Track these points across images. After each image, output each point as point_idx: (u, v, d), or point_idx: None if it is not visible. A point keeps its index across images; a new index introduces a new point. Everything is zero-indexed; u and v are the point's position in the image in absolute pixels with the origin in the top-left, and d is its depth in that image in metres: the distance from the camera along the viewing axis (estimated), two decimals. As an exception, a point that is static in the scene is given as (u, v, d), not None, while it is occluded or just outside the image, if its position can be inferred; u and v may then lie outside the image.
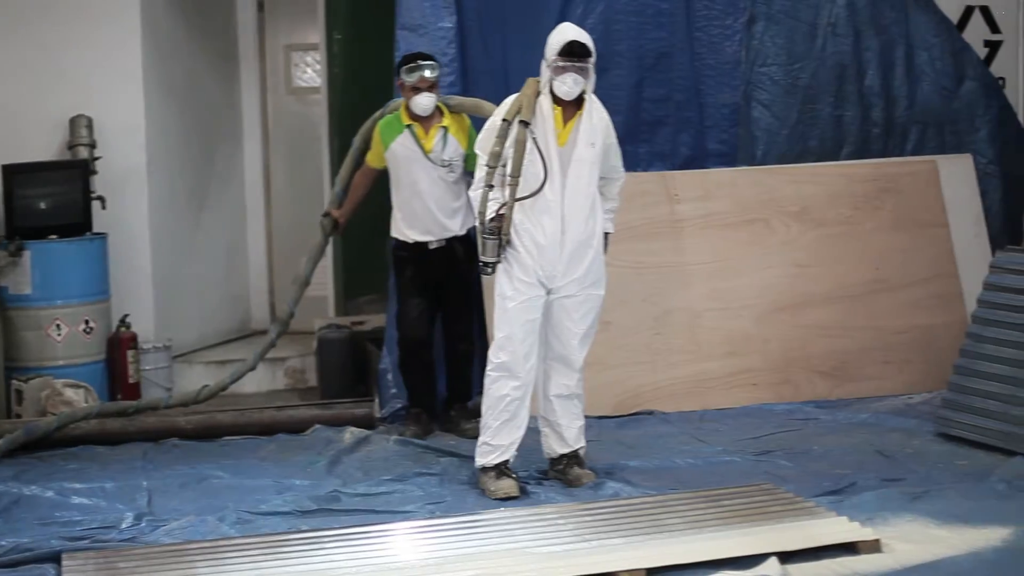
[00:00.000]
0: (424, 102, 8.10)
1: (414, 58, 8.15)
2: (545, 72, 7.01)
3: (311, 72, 11.88)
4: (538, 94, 7.01)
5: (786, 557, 5.84)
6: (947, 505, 6.54)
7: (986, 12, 10.63)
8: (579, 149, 7.01)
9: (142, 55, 9.81)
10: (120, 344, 9.40)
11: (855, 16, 9.82)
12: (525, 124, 6.91)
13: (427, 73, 8.09)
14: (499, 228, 6.90)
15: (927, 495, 6.71)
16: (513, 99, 7.06)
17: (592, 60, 7.01)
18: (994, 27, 10.67)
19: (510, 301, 7.01)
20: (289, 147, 11.62)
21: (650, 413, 8.73)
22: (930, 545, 6.02)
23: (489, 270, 6.96)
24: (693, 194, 9.24)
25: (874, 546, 5.96)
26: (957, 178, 9.63)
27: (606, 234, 7.26)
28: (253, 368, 9.05)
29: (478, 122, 8.29)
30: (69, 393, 8.81)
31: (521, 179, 6.90)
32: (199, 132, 10.70)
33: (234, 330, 11.12)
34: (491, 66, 9.15)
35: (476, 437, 7.93)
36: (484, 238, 6.92)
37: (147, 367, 9.58)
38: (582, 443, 7.29)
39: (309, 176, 11.27)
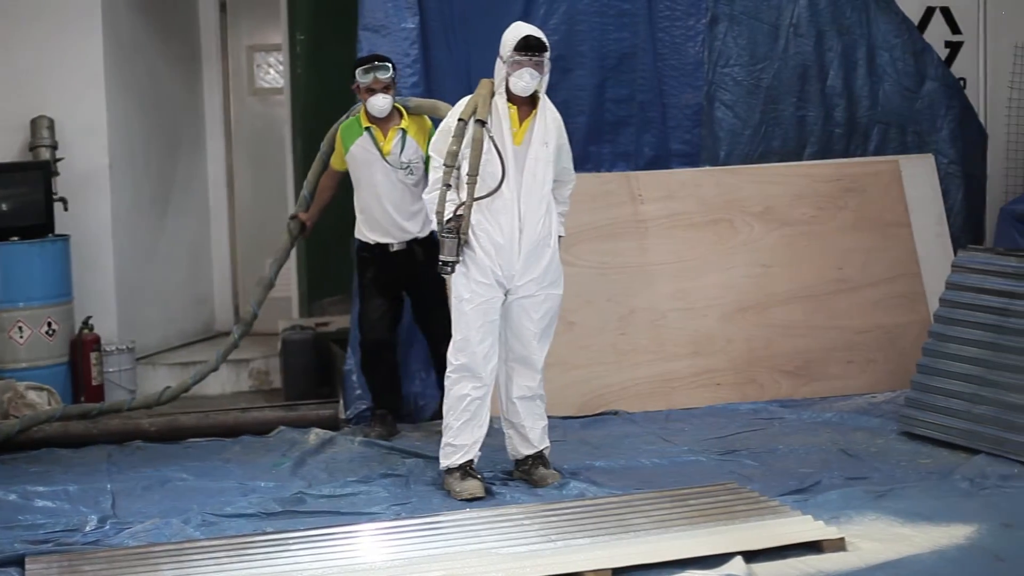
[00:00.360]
0: (379, 103, 8.09)
1: (368, 60, 8.16)
2: (500, 70, 7.00)
3: (274, 73, 11.86)
4: (493, 94, 7.01)
5: (751, 556, 5.85)
6: (911, 503, 6.57)
7: (947, 13, 10.70)
8: (534, 148, 7.01)
9: (104, 56, 9.77)
10: (83, 346, 9.36)
11: (817, 17, 9.86)
12: (481, 123, 6.91)
13: (380, 75, 8.07)
14: (458, 227, 6.88)
15: (891, 493, 6.74)
16: (468, 99, 7.05)
17: (547, 55, 7.00)
18: (955, 28, 10.73)
19: (467, 304, 6.98)
20: (252, 148, 11.60)
21: (615, 413, 8.74)
22: (894, 543, 6.04)
23: (449, 269, 6.94)
24: (657, 194, 9.25)
25: (839, 544, 5.97)
26: (919, 178, 9.68)
27: (559, 237, 7.25)
28: (215, 369, 9.03)
29: (438, 123, 8.30)
30: (32, 396, 8.77)
31: (479, 178, 6.90)
32: (162, 133, 10.67)
33: (198, 332, 11.09)
34: (454, 66, 9.14)
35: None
36: (443, 237, 6.90)
37: (110, 369, 9.55)
38: (546, 443, 7.29)
39: (272, 177, 11.25)
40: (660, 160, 9.56)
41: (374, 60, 8.14)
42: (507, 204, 6.96)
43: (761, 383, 9.04)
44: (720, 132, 9.70)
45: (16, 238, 9.18)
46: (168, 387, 8.95)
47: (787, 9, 9.82)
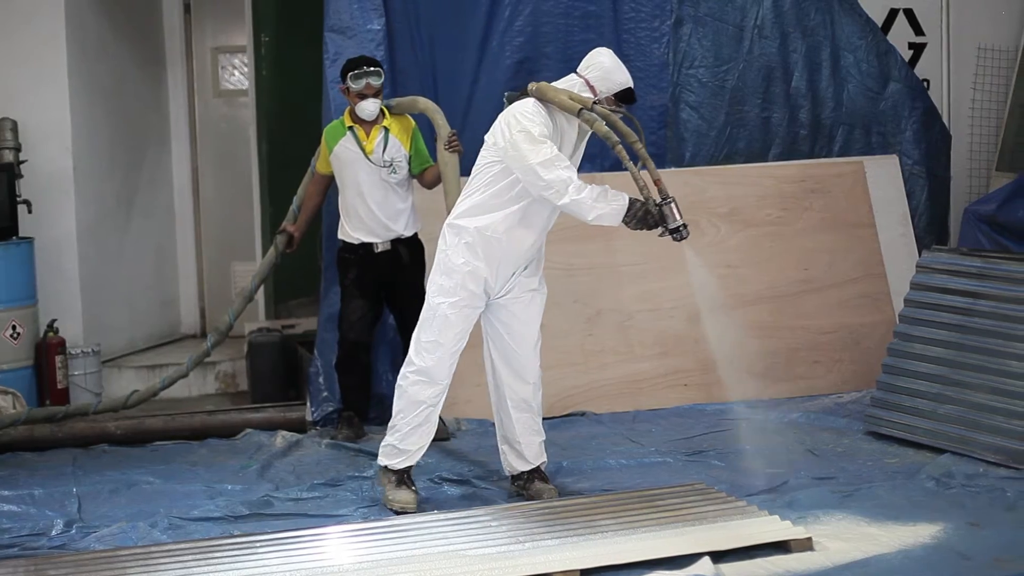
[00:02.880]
0: (369, 107, 8.08)
1: (359, 64, 8.12)
2: (581, 89, 6.76)
3: (239, 75, 11.82)
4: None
5: (719, 556, 5.86)
6: (877, 503, 6.60)
7: (910, 14, 10.75)
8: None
9: (67, 57, 9.73)
10: (48, 349, 9.31)
11: (781, 18, 9.89)
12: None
13: (373, 80, 8.07)
14: (664, 193, 6.57)
15: (858, 493, 6.77)
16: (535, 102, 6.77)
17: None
18: (918, 29, 10.78)
19: (450, 307, 6.71)
20: (217, 150, 11.57)
21: (582, 414, 8.75)
22: (861, 543, 6.06)
23: (686, 232, 6.54)
24: (622, 195, 9.25)
25: (806, 544, 5.99)
26: (883, 179, 9.73)
27: None
28: (185, 375, 9.00)
29: (419, 119, 8.30)
30: (-4, 399, 8.74)
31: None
32: (126, 135, 10.63)
33: (164, 335, 11.06)
34: (419, 68, 9.15)
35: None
36: (661, 207, 6.53)
37: (76, 372, 9.50)
38: (543, 459, 7.10)
39: (238, 179, 11.23)
40: (626, 161, 9.56)
41: (365, 65, 8.10)
42: (533, 220, 6.78)
43: (728, 384, 9.04)
44: (685, 133, 9.73)
45: (-21, 241, 9.14)
46: (135, 391, 8.92)
47: (751, 11, 9.85)
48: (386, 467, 6.91)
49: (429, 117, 8.20)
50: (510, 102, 6.96)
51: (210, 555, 6.07)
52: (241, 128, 11.38)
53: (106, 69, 10.36)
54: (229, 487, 7.36)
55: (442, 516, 6.54)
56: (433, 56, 9.21)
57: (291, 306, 10.89)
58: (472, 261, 6.69)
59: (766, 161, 9.82)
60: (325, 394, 8.66)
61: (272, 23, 11.09)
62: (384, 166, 8.12)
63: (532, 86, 6.84)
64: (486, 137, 6.89)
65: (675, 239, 6.59)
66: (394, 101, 8.37)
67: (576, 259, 9.02)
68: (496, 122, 6.84)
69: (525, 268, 6.86)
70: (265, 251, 10.28)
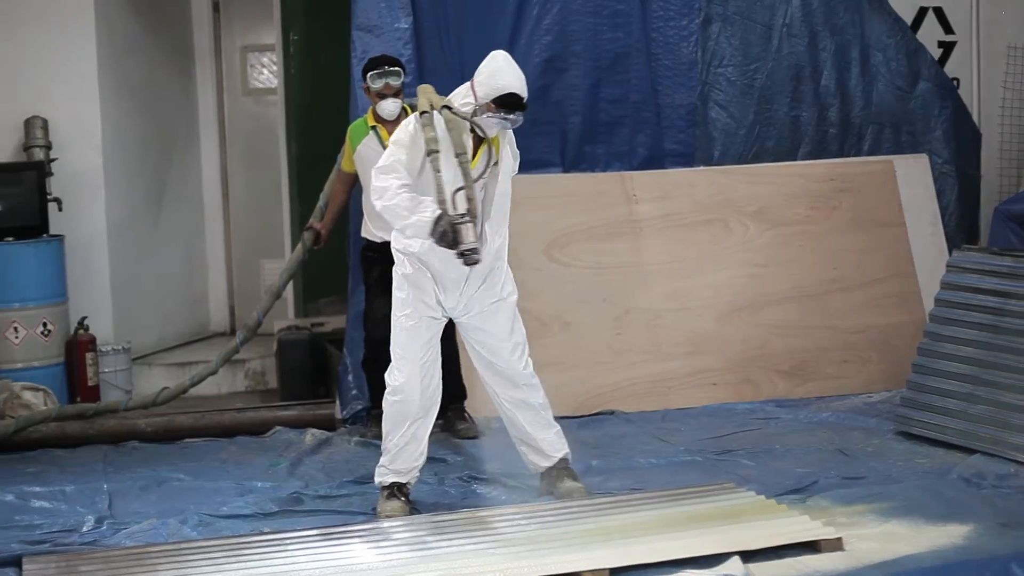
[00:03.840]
0: (389, 107, 8.08)
1: (380, 63, 8.12)
2: (468, 100, 6.54)
3: (267, 73, 11.85)
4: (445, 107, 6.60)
5: (748, 556, 5.85)
6: (908, 503, 6.57)
7: (939, 13, 10.72)
8: (498, 172, 6.73)
9: (97, 56, 9.77)
10: (79, 347, 9.36)
11: (810, 17, 9.87)
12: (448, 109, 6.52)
13: (392, 80, 8.07)
14: (469, 210, 6.38)
15: (888, 493, 6.74)
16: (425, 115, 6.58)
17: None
18: (947, 28, 10.76)
19: (408, 319, 6.69)
20: (246, 148, 11.59)
21: (611, 413, 8.74)
22: (891, 543, 6.04)
23: (477, 256, 6.36)
24: (651, 194, 9.26)
25: (836, 544, 5.97)
26: (913, 178, 9.70)
27: None
28: (215, 372, 9.03)
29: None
30: (28, 396, 8.77)
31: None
32: (156, 133, 10.66)
33: (193, 332, 11.09)
34: (448, 67, 9.14)
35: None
36: (456, 224, 6.30)
37: (106, 369, 9.55)
38: (564, 450, 7.01)
39: (267, 177, 11.25)
40: (654, 160, 9.57)
41: (385, 64, 8.09)
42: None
43: (757, 383, 9.04)
44: (714, 132, 9.72)
45: (11, 239, 9.17)
46: (165, 388, 8.95)
47: (780, 9, 9.83)
48: (380, 485, 6.85)
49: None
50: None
51: (240, 552, 6.09)
52: (270, 126, 11.40)
53: (136, 68, 10.39)
54: (259, 484, 7.38)
55: (470, 514, 6.55)
56: (461, 54, 9.21)
57: (320, 304, 10.91)
58: (415, 275, 6.67)
59: (795, 160, 9.80)
60: (354, 392, 8.68)
61: (301, 21, 11.11)
62: (406, 166, 8.11)
63: (419, 88, 6.78)
64: None
65: (464, 263, 6.40)
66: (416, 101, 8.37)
67: (605, 258, 9.02)
68: None
69: (482, 284, 6.73)
70: (294, 248, 10.33)
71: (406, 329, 6.70)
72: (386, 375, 6.80)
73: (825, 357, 9.19)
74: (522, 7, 9.28)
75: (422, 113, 6.49)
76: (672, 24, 9.63)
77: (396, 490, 6.80)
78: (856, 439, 7.95)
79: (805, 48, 9.88)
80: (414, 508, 6.82)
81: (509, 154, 6.74)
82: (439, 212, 6.33)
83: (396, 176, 6.43)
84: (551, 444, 6.97)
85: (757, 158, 9.75)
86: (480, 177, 6.54)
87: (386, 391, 6.79)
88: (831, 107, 9.94)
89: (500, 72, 6.48)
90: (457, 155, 6.42)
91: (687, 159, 9.63)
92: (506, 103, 6.43)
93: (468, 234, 6.32)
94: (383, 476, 6.83)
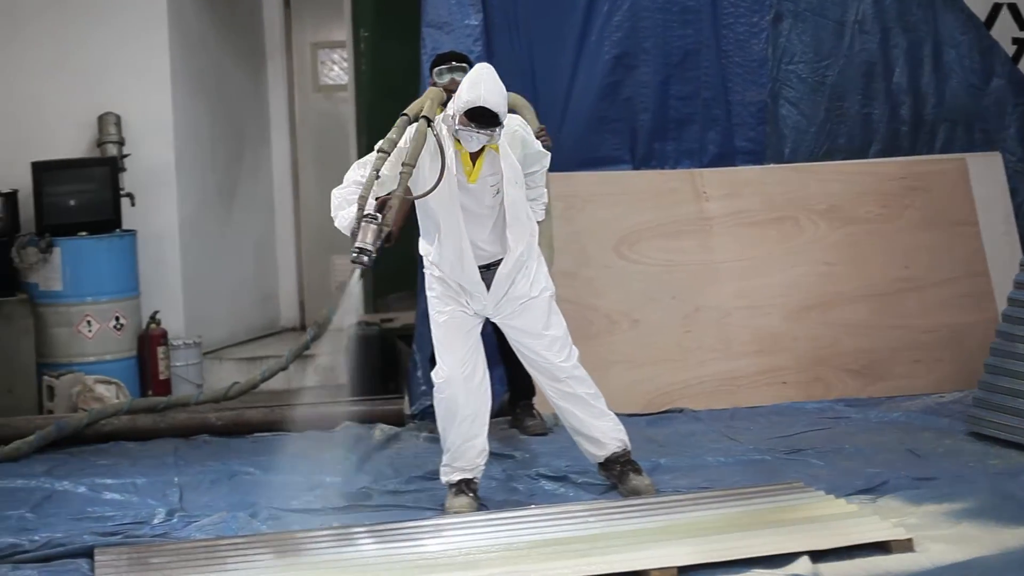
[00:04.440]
0: None
1: (446, 59, 8.11)
2: (448, 111, 6.54)
3: (338, 70, 11.91)
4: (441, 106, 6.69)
5: (818, 556, 5.82)
6: (979, 504, 6.51)
7: (1014, 9, 10.56)
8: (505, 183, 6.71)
9: (170, 52, 9.85)
10: (150, 340, 9.44)
11: (882, 13, 9.80)
12: (428, 120, 6.52)
13: (457, 76, 8.04)
14: (382, 216, 6.32)
15: (959, 494, 6.68)
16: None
17: (499, 129, 6.51)
18: (1022, 24, 10.62)
19: (443, 315, 6.75)
20: (317, 145, 11.65)
21: (680, 411, 8.72)
22: (962, 544, 5.99)
23: (365, 259, 6.28)
24: (721, 192, 9.23)
25: (906, 545, 5.93)
26: (986, 176, 9.61)
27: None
28: (285, 368, 9.06)
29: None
30: (100, 389, 8.86)
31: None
32: (227, 129, 10.73)
33: (264, 327, 11.15)
34: (517, 63, 9.14)
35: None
36: (363, 222, 6.29)
37: (177, 363, 9.62)
38: (621, 440, 6.97)
39: (337, 174, 11.12)
40: (725, 157, 9.54)
41: (451, 60, 8.07)
42: (458, 235, 6.63)
43: (827, 382, 8.99)
44: (785, 129, 9.67)
45: (84, 233, 9.26)
46: (236, 382, 9.01)
47: (852, 6, 9.77)
48: (447, 483, 6.88)
49: (517, 110, 8.18)
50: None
51: (309, 546, 6.13)
52: (340, 123, 11.45)
53: (207, 64, 10.47)
54: (328, 479, 7.40)
55: (539, 511, 6.56)
56: (531, 51, 9.22)
57: (390, 300, 10.94)
58: (445, 279, 6.75)
59: (866, 158, 9.74)
60: (423, 388, 8.69)
61: (371, 18, 11.15)
62: (472, 162, 8.12)
63: (427, 91, 6.84)
64: None
65: (350, 260, 6.36)
66: None
67: (674, 255, 9.00)
68: None
69: (510, 287, 6.74)
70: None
71: (441, 325, 6.76)
72: (433, 371, 6.86)
73: (896, 356, 9.12)
74: (592, 3, 9.27)
75: (402, 115, 6.52)
76: (743, 21, 9.59)
77: (464, 486, 6.82)
78: (927, 439, 7.89)
79: (877, 45, 9.81)
80: (482, 504, 6.84)
81: (514, 162, 6.66)
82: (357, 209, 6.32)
83: (362, 175, 6.46)
84: (605, 433, 6.94)
85: (828, 156, 9.69)
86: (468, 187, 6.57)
87: (434, 390, 6.85)
88: (903, 104, 9.87)
89: (474, 85, 6.37)
90: (403, 164, 6.38)
91: (757, 156, 9.59)
92: (474, 116, 6.35)
93: (366, 235, 6.27)
94: (448, 475, 6.86)
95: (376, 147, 6.51)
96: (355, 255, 6.29)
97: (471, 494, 6.82)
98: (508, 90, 8.45)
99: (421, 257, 8.61)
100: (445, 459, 6.86)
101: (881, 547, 5.94)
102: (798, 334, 9.03)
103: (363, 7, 11.14)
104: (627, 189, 9.13)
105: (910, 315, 9.19)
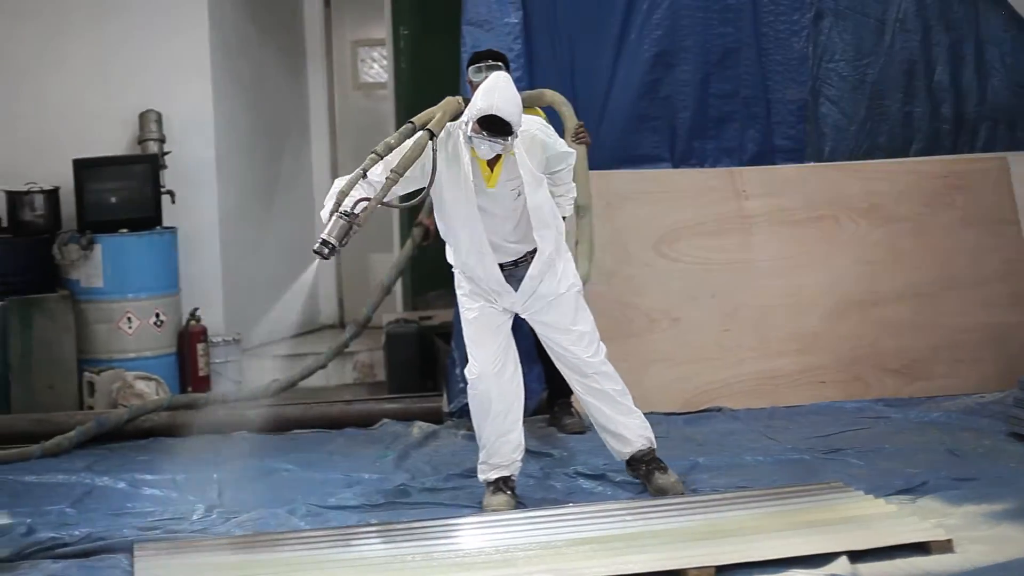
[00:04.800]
0: None
1: (482, 57, 8.12)
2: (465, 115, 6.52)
3: (378, 68, 11.93)
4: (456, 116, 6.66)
5: (856, 556, 5.79)
6: (1019, 505, 6.46)
7: (1057, 8, 10.54)
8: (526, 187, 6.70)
9: (210, 50, 9.90)
10: (190, 337, 9.49)
11: (924, 11, 9.75)
12: (431, 134, 6.46)
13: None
14: (355, 217, 6.23)
15: (999, 495, 6.63)
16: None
17: (512, 138, 6.47)
18: (1065, 23, 10.57)
19: (469, 312, 6.80)
20: (356, 143, 11.64)
21: (719, 410, 8.70)
22: (1002, 545, 5.95)
23: (326, 251, 6.20)
24: (761, 190, 9.21)
25: (946, 546, 5.89)
26: (1028, 175, 9.56)
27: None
28: (324, 366, 9.09)
29: (545, 112, 8.30)
30: (140, 385, 8.91)
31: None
32: (267, 127, 10.78)
33: (303, 324, 11.19)
34: (557, 61, 9.15)
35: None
36: (336, 216, 6.22)
37: (217, 360, 9.68)
38: (648, 439, 6.99)
39: (376, 172, 11.30)
40: (764, 156, 9.51)
41: (488, 59, 8.06)
42: (476, 237, 6.62)
43: (866, 381, 8.96)
44: (825, 128, 9.63)
45: (125, 230, 9.32)
46: (275, 379, 9.04)
47: (893, 4, 9.72)
48: (484, 481, 6.89)
49: (556, 109, 8.18)
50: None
51: (348, 542, 6.15)
52: (380, 120, 11.47)
53: (248, 62, 10.51)
54: (366, 476, 7.43)
55: (576, 509, 6.55)
56: (571, 49, 9.21)
57: (428, 297, 10.95)
58: (472, 280, 6.79)
59: (907, 156, 9.69)
60: (462, 385, 8.66)
61: (410, 16, 11.17)
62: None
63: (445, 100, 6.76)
64: None
65: (313, 249, 6.29)
66: (523, 95, 8.35)
67: (713, 254, 8.98)
68: None
69: (539, 285, 6.75)
70: (403, 243, 10.40)
71: (471, 322, 6.80)
72: (465, 371, 6.91)
73: (936, 356, 9.08)
74: (632, 1, 9.25)
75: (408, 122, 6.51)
76: (783, 19, 9.56)
77: (501, 484, 6.83)
78: (967, 440, 7.84)
79: (918, 43, 9.76)
80: (520, 502, 6.85)
81: (532, 167, 6.64)
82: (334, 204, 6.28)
83: (360, 174, 6.40)
84: (631, 430, 6.95)
85: (868, 154, 9.65)
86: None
87: (468, 387, 6.89)
88: (944, 103, 9.81)
89: (487, 93, 6.36)
90: (392, 171, 6.35)
91: (797, 155, 9.56)
92: (486, 124, 6.34)
93: (333, 229, 6.22)
94: (485, 473, 6.87)
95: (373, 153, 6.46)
96: (317, 246, 6.25)
97: (509, 492, 6.83)
98: (547, 88, 8.53)
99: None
100: (481, 456, 6.88)
101: (920, 548, 5.90)
102: (838, 333, 9.00)
103: (403, 5, 11.17)
104: (666, 187, 9.11)
105: (950, 314, 9.14)
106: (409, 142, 6.43)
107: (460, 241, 6.71)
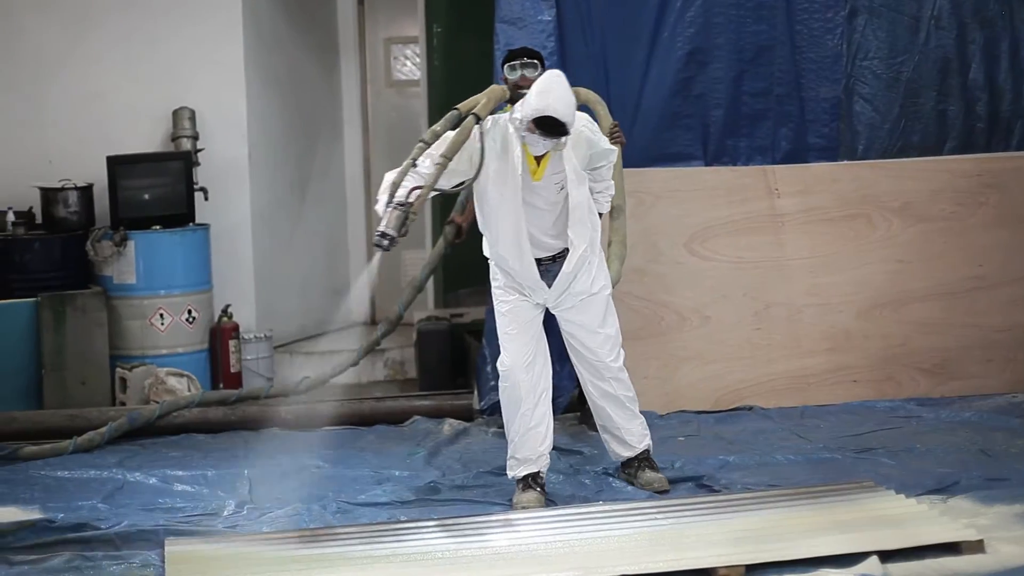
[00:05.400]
0: None
1: (518, 55, 8.10)
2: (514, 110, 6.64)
3: (411, 65, 11.94)
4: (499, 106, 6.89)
5: (887, 556, 5.78)
6: (1053, 506, 6.46)
7: (1094, 5, 10.46)
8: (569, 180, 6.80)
9: (244, 48, 9.93)
10: (222, 334, 9.52)
11: (959, 9, 9.69)
12: (477, 118, 6.63)
13: (528, 73, 8.04)
14: (410, 205, 6.33)
15: (1032, 495, 6.63)
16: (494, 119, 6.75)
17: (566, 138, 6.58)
18: (1102, 21, 10.49)
19: (506, 305, 6.85)
20: (389, 140, 11.68)
21: (750, 409, 8.68)
22: (1035, 546, 5.95)
23: (386, 243, 6.28)
24: (793, 189, 9.17)
25: (977, 547, 5.87)
26: (1064, 174, 9.50)
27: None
28: (355, 364, 9.11)
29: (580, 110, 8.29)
30: (172, 382, 8.94)
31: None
32: (300, 124, 10.80)
33: (334, 322, 11.19)
34: (591, 59, 9.13)
35: None
36: (392, 208, 6.33)
37: (248, 357, 9.70)
38: (646, 442, 7.13)
39: (409, 169, 11.31)
40: (797, 154, 9.47)
41: (523, 56, 8.04)
42: (515, 224, 6.70)
43: (898, 381, 8.93)
44: (858, 126, 9.58)
45: (158, 227, 9.36)
46: (307, 376, 9.06)
47: (928, 1, 9.66)
48: (513, 478, 6.93)
49: (591, 108, 8.17)
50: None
51: (378, 538, 6.18)
52: (413, 118, 11.48)
53: (281, 59, 10.54)
54: (396, 473, 7.45)
55: (606, 507, 6.56)
56: (604, 47, 9.19)
57: (460, 295, 10.96)
58: (506, 275, 6.84)
59: (941, 155, 9.63)
60: (493, 383, 8.69)
61: (444, 14, 11.17)
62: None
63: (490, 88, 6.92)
64: None
65: (373, 242, 6.39)
66: None
67: (745, 252, 8.96)
68: None
69: (573, 281, 6.79)
70: (435, 240, 10.40)
71: (504, 315, 6.85)
72: (497, 364, 6.95)
73: (969, 356, 9.04)
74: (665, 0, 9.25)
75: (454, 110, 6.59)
76: (817, 16, 9.51)
77: (531, 481, 6.85)
78: (999, 440, 7.80)
79: (953, 41, 9.70)
80: (549, 499, 6.85)
81: (576, 164, 6.70)
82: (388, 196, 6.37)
83: (411, 167, 6.49)
84: (634, 435, 7.07)
85: (902, 152, 9.60)
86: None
87: (499, 379, 6.92)
88: (979, 101, 9.75)
89: (543, 94, 6.42)
90: (440, 156, 6.44)
91: (831, 153, 9.51)
92: (541, 125, 6.39)
93: (390, 220, 6.29)
94: (514, 469, 6.90)
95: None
96: (377, 238, 6.33)
97: (538, 489, 6.85)
98: (580, 86, 8.51)
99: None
100: (510, 451, 6.90)
101: (951, 548, 5.88)
102: (869, 332, 8.96)
103: (436, 3, 11.17)
104: (699, 185, 9.09)
105: (983, 314, 9.10)
106: (451, 132, 6.52)
107: (500, 234, 6.74)
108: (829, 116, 9.55)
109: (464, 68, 10.76)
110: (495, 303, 6.94)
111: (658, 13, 9.24)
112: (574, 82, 8.65)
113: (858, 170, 9.32)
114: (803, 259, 9.05)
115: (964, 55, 9.72)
